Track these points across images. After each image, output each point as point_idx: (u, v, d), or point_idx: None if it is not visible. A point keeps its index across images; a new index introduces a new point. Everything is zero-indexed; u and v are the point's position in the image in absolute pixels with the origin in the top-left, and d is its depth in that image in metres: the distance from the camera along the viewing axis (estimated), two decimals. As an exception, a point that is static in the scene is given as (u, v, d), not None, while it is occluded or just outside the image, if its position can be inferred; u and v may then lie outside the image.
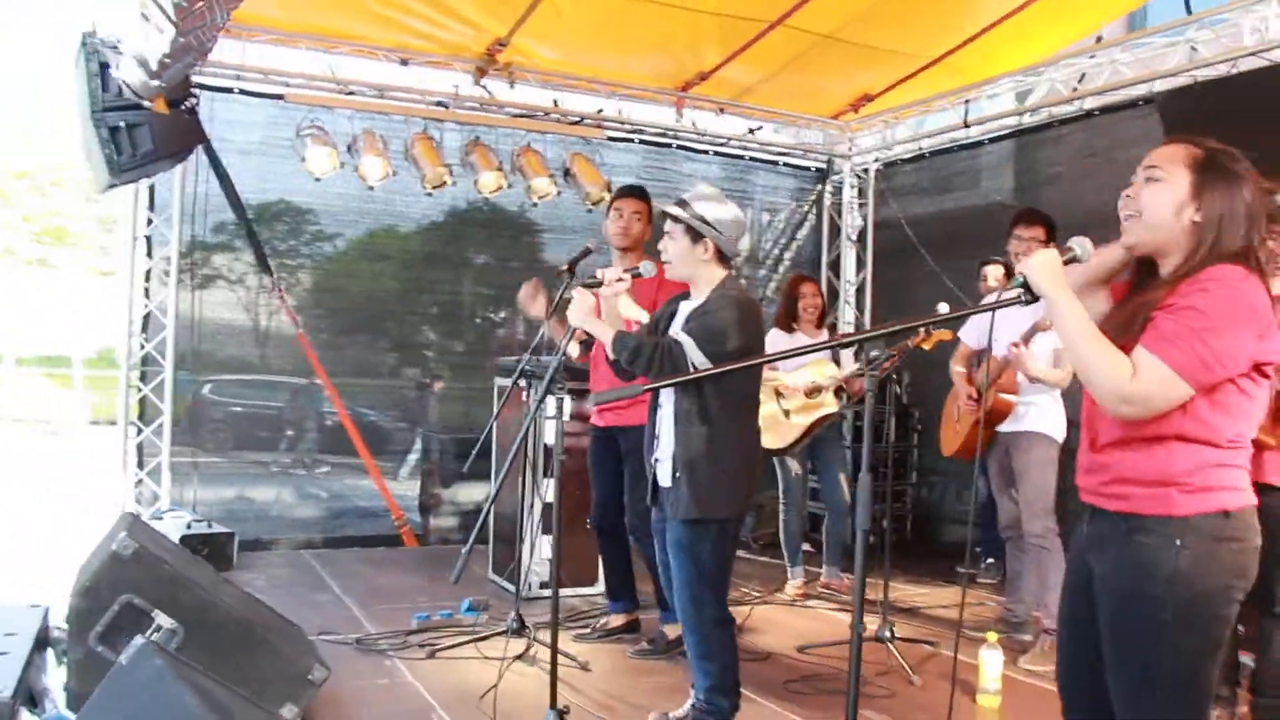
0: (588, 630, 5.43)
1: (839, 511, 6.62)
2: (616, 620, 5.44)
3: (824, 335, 6.60)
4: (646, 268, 4.12)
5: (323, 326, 7.63)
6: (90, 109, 5.42)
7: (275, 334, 7.54)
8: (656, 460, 3.92)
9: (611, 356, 3.83)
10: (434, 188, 7.42)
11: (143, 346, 7.07)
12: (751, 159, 9.15)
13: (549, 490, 6.00)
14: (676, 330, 3.87)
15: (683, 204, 3.92)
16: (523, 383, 6.00)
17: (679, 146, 8.69)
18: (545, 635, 4.91)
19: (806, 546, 6.81)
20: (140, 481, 7.00)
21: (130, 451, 7.03)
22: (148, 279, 7.07)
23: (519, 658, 4.78)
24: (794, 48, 7.46)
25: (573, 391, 5.54)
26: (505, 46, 7.24)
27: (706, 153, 8.85)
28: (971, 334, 5.48)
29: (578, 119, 8.13)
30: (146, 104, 5.24)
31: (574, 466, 5.73)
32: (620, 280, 3.94)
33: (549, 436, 6.04)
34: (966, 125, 8.01)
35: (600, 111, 8.19)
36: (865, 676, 4.78)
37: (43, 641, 4.15)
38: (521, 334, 8.27)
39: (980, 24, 7.21)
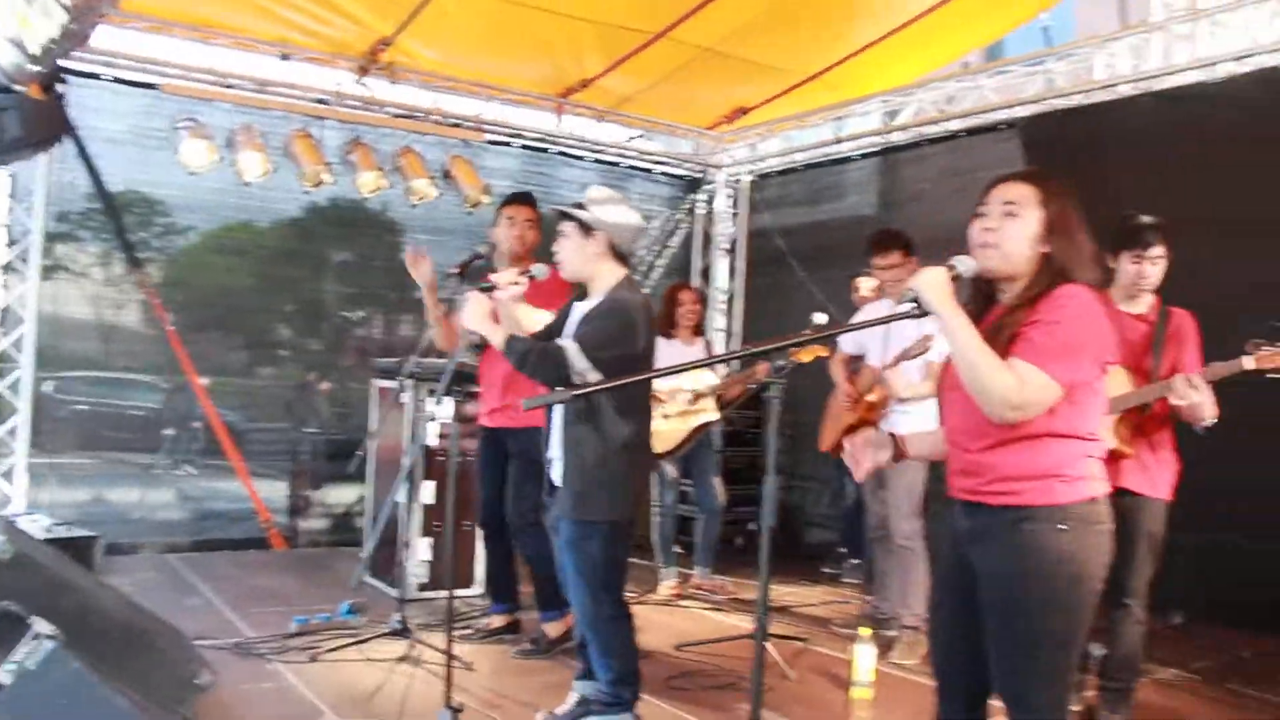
0: (470, 631, 5.44)
1: (711, 513, 6.76)
2: (498, 621, 5.47)
3: (700, 342, 6.78)
4: (539, 270, 4.19)
5: (172, 322, 7.27)
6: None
7: (137, 330, 7.28)
8: (550, 459, 3.99)
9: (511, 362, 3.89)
10: (312, 186, 7.29)
11: (-3, 341, 6.77)
12: (629, 167, 9.25)
13: (429, 492, 6.02)
14: (569, 331, 3.94)
15: (579, 205, 3.99)
16: (396, 384, 5.98)
17: (558, 152, 8.73)
18: (428, 637, 4.96)
19: (677, 548, 6.94)
20: (-9, 483, 6.70)
21: (-20, 452, 6.73)
22: (6, 270, 6.78)
23: (403, 659, 4.76)
24: (675, 59, 7.60)
25: (463, 394, 5.55)
26: (389, 46, 7.18)
27: (584, 159, 8.91)
28: (849, 341, 5.70)
29: (458, 121, 8.11)
30: (18, 88, 5.05)
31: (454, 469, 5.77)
32: (515, 284, 3.99)
33: (430, 438, 6.04)
34: (839, 141, 8.30)
35: (481, 115, 8.20)
36: (742, 673, 4.95)
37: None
38: (380, 333, 8.22)
39: (854, 45, 7.50)
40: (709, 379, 6.41)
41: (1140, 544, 4.13)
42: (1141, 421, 4.12)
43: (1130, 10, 6.44)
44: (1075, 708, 4.34)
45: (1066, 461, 2.55)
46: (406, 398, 6.05)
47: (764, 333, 8.92)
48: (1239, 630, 5.67)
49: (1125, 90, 6.43)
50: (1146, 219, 4.15)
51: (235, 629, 5.25)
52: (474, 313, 3.91)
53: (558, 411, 3.96)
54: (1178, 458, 4.23)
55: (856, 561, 7.30)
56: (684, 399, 6.32)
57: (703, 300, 7.63)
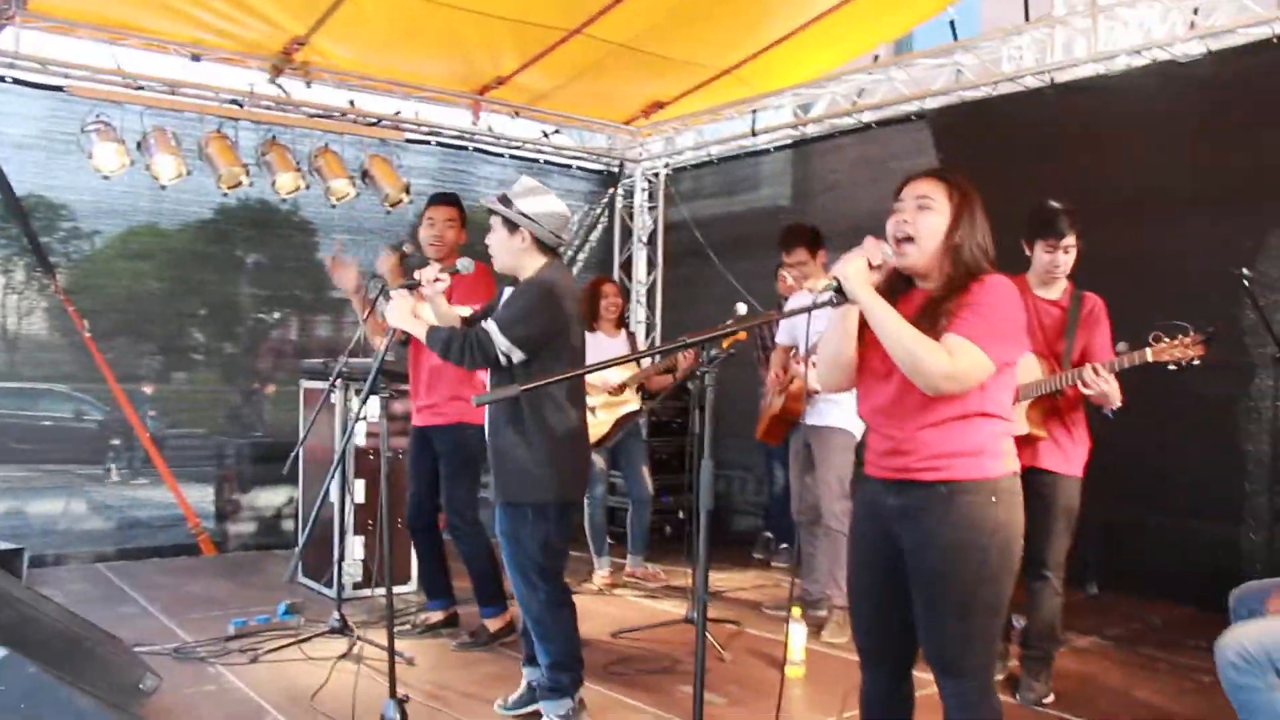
0: (407, 626, 5.48)
1: (641, 503, 6.88)
2: (435, 616, 5.52)
3: (623, 334, 6.88)
4: (464, 264, 4.26)
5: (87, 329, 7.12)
6: None
7: (45, 338, 7.15)
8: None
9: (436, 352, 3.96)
10: (230, 188, 7.22)
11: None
12: (546, 162, 9.33)
13: (360, 491, 6.05)
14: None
15: (504, 199, 4.05)
16: (324, 385, 5.99)
17: (476, 149, 8.78)
18: (368, 634, 4.99)
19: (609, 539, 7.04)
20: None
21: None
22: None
23: (344, 656, 4.79)
24: (591, 56, 7.69)
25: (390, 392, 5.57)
26: (303, 45, 7.14)
27: (502, 156, 8.96)
28: (784, 333, 5.84)
29: (375, 120, 8.10)
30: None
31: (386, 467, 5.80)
32: (438, 280, 4.05)
33: (360, 438, 6.07)
34: (754, 134, 8.46)
35: (398, 113, 8.20)
36: (678, 656, 5.08)
37: None
38: (296, 335, 8.17)
39: (766, 40, 7.68)
40: (629, 368, 6.52)
41: (1058, 520, 4.35)
42: (1055, 404, 4.34)
43: (1034, 5, 6.67)
44: (999, 676, 4.55)
45: (991, 438, 2.72)
46: (336, 398, 6.05)
47: (684, 323, 9.07)
48: (1149, 599, 5.95)
49: (1030, 82, 6.70)
50: (1059, 207, 4.34)
51: (173, 634, 5.22)
52: (398, 310, 3.97)
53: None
54: (1090, 437, 4.46)
55: (785, 546, 7.48)
56: (605, 391, 6.42)
57: (624, 293, 7.73)
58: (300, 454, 6.42)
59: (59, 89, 6.86)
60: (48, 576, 6.38)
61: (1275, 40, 5.61)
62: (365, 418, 5.97)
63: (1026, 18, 6.71)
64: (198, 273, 7.69)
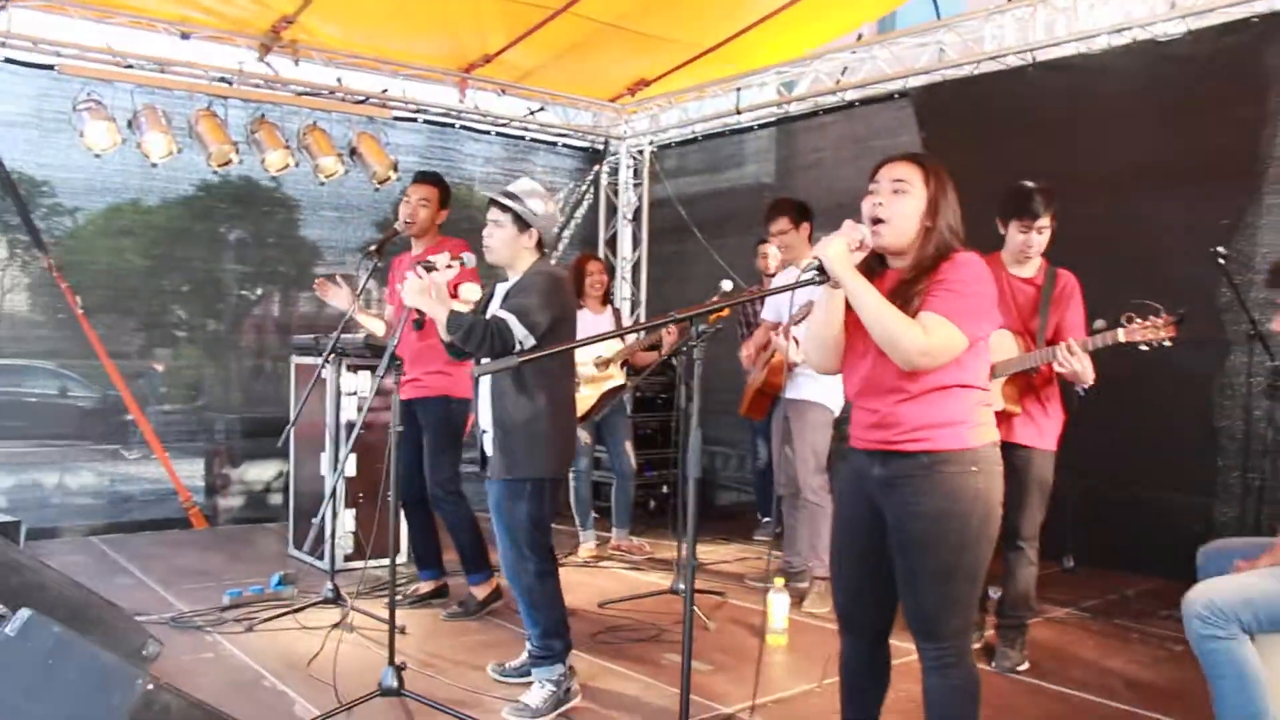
0: (399, 597, 5.56)
1: (625, 477, 6.99)
2: (426, 587, 5.62)
3: (609, 311, 6.97)
4: (468, 259, 4.38)
5: (64, 306, 7.15)
6: None
7: (29, 315, 7.18)
8: (483, 431, 4.16)
9: (446, 337, 4.05)
10: (220, 165, 7.28)
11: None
12: (532, 139, 9.38)
13: (351, 465, 6.14)
14: (495, 309, 4.12)
15: (512, 196, 4.18)
16: (313, 360, 6.07)
17: (462, 127, 8.83)
18: (361, 603, 5.11)
19: (594, 513, 7.15)
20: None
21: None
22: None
23: (337, 625, 4.90)
24: (577, 34, 7.76)
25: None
26: (291, 24, 7.19)
27: (489, 133, 9.02)
28: (769, 310, 5.94)
29: (363, 98, 8.15)
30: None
31: (374, 441, 5.90)
32: (450, 267, 4.20)
33: (349, 412, 6.15)
34: (739, 112, 8.54)
35: (385, 91, 8.25)
36: (665, 626, 5.20)
37: None
38: (278, 311, 8.22)
39: (751, 18, 7.77)
40: (614, 344, 6.62)
41: (1033, 492, 4.47)
42: (1030, 380, 4.45)
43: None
44: (975, 645, 4.69)
45: (970, 409, 2.83)
46: (328, 373, 6.13)
47: (669, 299, 9.17)
48: (1124, 573, 6.10)
49: (1012, 61, 6.81)
50: (1033, 186, 4.41)
51: (169, 605, 5.32)
52: (414, 289, 4.07)
53: (484, 382, 4.13)
54: (1064, 411, 4.57)
55: (767, 520, 7.60)
56: (591, 365, 6.52)
57: (609, 270, 7.81)
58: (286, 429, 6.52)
59: (50, 68, 6.89)
60: (43, 549, 6.45)
61: (1254, 20, 5.72)
62: (356, 392, 6.09)
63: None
64: (182, 249, 7.71)
